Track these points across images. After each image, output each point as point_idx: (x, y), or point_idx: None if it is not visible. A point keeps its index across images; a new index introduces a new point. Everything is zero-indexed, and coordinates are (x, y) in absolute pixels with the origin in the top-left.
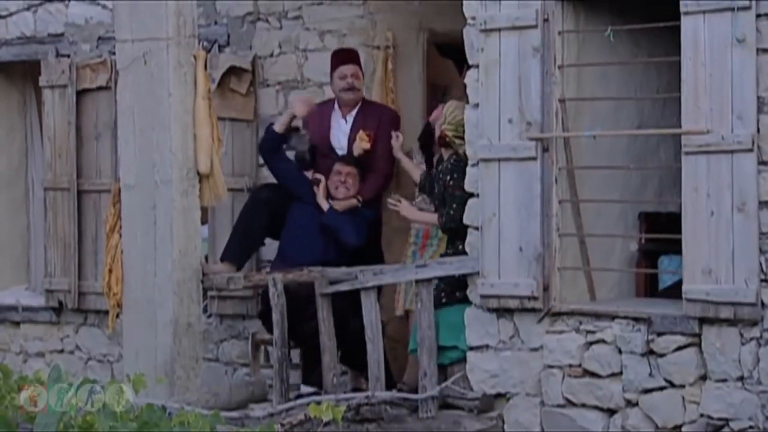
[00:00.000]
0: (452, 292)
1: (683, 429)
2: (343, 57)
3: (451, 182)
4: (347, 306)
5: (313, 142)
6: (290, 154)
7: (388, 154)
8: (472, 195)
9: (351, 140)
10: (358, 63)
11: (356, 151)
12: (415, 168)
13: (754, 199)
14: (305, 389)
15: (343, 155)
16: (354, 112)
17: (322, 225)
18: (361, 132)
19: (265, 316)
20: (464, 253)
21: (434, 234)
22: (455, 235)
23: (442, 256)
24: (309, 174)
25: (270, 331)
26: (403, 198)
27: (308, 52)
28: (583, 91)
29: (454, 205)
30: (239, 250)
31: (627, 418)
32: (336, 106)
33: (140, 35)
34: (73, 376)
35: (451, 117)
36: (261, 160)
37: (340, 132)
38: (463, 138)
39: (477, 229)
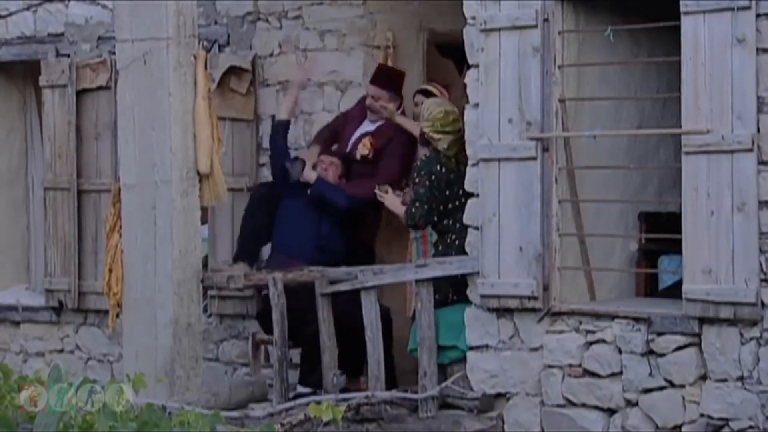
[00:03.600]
0: (444, 290)
1: (683, 429)
2: (376, 78)
3: (416, 179)
4: (349, 305)
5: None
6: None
7: (391, 170)
8: (434, 192)
9: (358, 141)
10: (391, 87)
11: (357, 154)
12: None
13: (754, 199)
14: (301, 389)
15: (333, 149)
16: (381, 121)
17: (311, 198)
18: (365, 139)
19: (263, 317)
20: (449, 248)
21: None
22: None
23: (435, 253)
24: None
25: (267, 331)
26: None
27: (308, 52)
28: (583, 91)
29: (417, 203)
30: (249, 248)
31: (627, 418)
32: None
33: (140, 35)
34: (73, 376)
35: (428, 114)
36: (261, 160)
37: (363, 130)
38: (441, 133)
39: (477, 228)
